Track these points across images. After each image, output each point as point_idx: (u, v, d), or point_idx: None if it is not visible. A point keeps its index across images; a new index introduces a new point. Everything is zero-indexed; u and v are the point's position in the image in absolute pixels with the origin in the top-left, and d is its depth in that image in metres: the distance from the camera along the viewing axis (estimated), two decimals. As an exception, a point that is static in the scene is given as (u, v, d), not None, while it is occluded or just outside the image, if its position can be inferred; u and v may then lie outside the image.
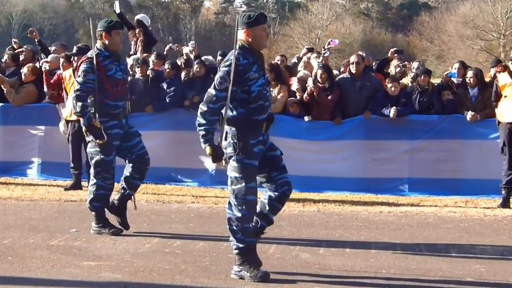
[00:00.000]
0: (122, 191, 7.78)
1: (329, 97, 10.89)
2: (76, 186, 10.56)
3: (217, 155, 5.89)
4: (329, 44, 12.22)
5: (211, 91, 5.87)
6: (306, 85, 11.07)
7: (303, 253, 6.85)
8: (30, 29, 13.55)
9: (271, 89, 11.06)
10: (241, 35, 5.94)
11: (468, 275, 6.11)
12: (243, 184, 5.87)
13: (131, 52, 13.56)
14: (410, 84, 11.25)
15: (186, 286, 5.76)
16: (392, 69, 12.11)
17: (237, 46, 5.91)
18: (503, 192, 9.70)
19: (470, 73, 10.72)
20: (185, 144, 11.32)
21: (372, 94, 10.89)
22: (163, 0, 78.16)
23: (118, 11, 14.39)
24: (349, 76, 11.05)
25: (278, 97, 11.01)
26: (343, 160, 10.95)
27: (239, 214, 5.90)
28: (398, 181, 10.71)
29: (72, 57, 10.59)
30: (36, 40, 13.02)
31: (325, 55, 11.98)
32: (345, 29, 63.97)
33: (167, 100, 11.35)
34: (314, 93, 10.83)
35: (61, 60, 11.44)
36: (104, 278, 5.95)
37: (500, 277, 6.02)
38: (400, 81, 11.22)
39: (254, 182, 5.96)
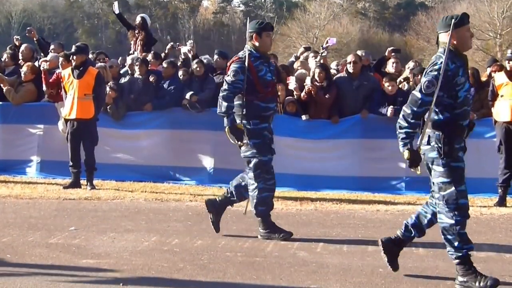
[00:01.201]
0: (229, 195, 7.62)
1: (327, 96, 10.93)
2: (75, 184, 10.58)
3: (415, 160, 5.71)
4: (327, 42, 12.26)
5: (417, 94, 5.63)
6: (304, 84, 11.11)
7: (300, 251, 6.88)
8: (28, 28, 13.60)
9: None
10: (445, 37, 5.71)
11: (464, 273, 6.13)
12: (453, 188, 5.70)
13: (131, 52, 13.60)
14: (407, 86, 11.27)
15: (184, 284, 5.78)
16: (390, 68, 12.13)
17: (442, 50, 5.68)
18: (500, 190, 9.74)
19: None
20: (184, 142, 11.37)
21: (370, 93, 10.93)
22: (161, -1, 78.17)
23: (117, 11, 14.44)
24: (346, 75, 11.09)
25: (276, 96, 11.04)
26: (341, 158, 11.00)
27: (452, 221, 5.71)
28: (395, 180, 10.76)
29: (71, 56, 10.64)
30: (34, 39, 13.05)
31: (323, 54, 12.02)
32: (343, 28, 64.00)
33: (167, 98, 11.41)
34: (312, 92, 10.87)
35: (60, 59, 11.50)
36: (103, 276, 5.97)
37: (497, 275, 6.02)
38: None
39: (464, 185, 5.79)
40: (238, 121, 7.35)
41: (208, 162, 11.33)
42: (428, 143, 5.76)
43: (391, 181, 10.76)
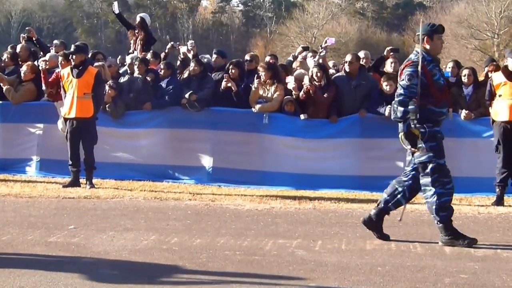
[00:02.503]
0: (383, 205, 7.44)
1: (325, 96, 10.96)
2: (75, 183, 10.60)
3: None
4: (325, 42, 12.28)
5: None
6: (302, 83, 11.14)
7: (299, 250, 6.89)
8: (27, 28, 13.63)
9: (267, 88, 11.13)
10: None
11: (462, 272, 6.14)
12: None
13: (130, 51, 13.63)
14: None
15: (183, 282, 5.81)
16: (388, 68, 12.15)
17: None
18: (497, 190, 9.76)
19: (466, 71, 10.79)
20: (182, 141, 11.40)
21: (368, 92, 10.96)
22: (160, -1, 78.19)
23: (116, 11, 14.47)
24: (345, 75, 11.12)
25: (275, 95, 11.07)
26: (339, 158, 11.02)
27: None
28: (393, 179, 10.75)
29: (71, 55, 10.66)
30: (34, 39, 13.07)
31: (322, 54, 12.04)
32: (341, 28, 64.04)
33: (166, 98, 11.43)
34: (310, 91, 10.90)
35: (60, 58, 11.52)
36: (102, 274, 5.99)
37: (494, 274, 6.06)
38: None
39: None
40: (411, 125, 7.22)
41: (207, 161, 11.36)
42: None
43: (389, 180, 10.67)
